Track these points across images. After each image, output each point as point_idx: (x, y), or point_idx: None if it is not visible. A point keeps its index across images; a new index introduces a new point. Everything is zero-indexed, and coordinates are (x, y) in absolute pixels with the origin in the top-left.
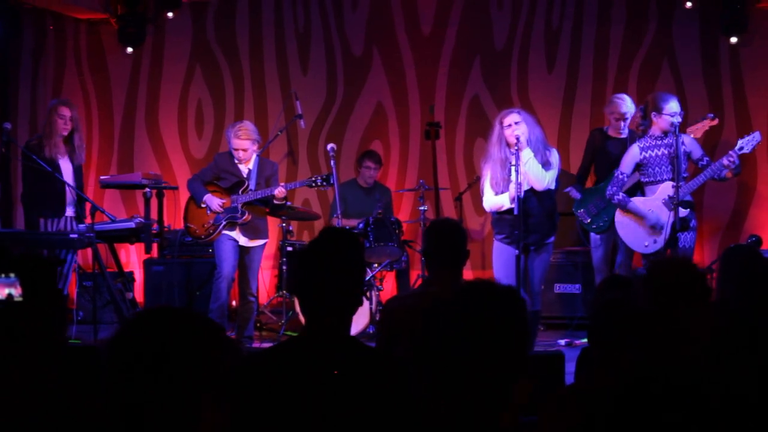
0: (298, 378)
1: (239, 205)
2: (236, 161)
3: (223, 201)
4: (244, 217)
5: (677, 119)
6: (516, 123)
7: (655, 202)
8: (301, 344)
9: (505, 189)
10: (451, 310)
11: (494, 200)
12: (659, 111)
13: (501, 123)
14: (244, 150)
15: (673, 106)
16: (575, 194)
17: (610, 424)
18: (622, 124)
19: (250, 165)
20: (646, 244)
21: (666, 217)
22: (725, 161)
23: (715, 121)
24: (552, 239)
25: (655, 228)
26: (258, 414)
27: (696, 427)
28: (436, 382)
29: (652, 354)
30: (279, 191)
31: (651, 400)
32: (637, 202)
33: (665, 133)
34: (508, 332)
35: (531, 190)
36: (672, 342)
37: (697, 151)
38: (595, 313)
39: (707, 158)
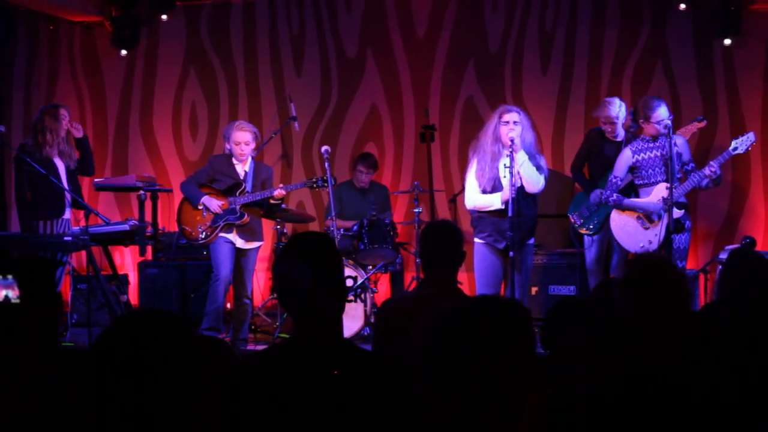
0: (294, 381)
1: (238, 207)
2: (234, 161)
3: (222, 203)
4: (243, 219)
5: (667, 123)
6: (515, 122)
7: (651, 201)
8: (296, 347)
9: (490, 184)
10: (459, 323)
11: (482, 199)
12: (647, 119)
13: (500, 117)
14: (246, 143)
15: (660, 113)
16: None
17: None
18: (612, 127)
19: (246, 167)
20: (642, 245)
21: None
22: (707, 171)
23: (703, 123)
24: (532, 240)
25: (654, 220)
26: (255, 416)
27: (683, 427)
28: (438, 386)
29: (622, 354)
30: (278, 192)
31: (626, 402)
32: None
33: (655, 138)
34: (517, 343)
35: (521, 192)
36: (647, 342)
37: (686, 154)
38: (547, 317)
39: (693, 164)
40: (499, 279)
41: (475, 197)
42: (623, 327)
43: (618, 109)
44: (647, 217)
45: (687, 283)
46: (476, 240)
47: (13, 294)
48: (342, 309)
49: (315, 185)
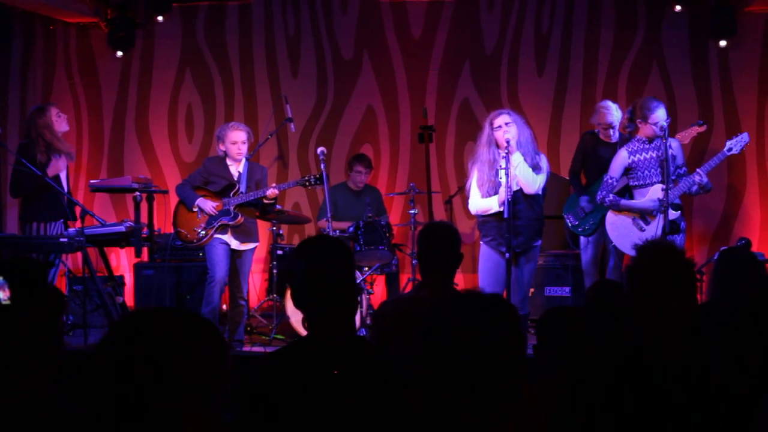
0: (311, 378)
1: (231, 208)
2: (228, 163)
3: (216, 204)
4: (237, 219)
5: (663, 125)
6: (506, 124)
7: (647, 200)
8: (312, 346)
9: (492, 191)
10: (441, 320)
11: (482, 203)
12: (645, 119)
13: (491, 124)
14: (243, 142)
15: (659, 114)
16: (588, 206)
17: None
18: (611, 131)
19: (240, 168)
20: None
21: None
22: (696, 177)
23: (703, 128)
24: (539, 242)
25: (653, 215)
26: (285, 413)
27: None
28: (433, 385)
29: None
30: (271, 192)
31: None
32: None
33: (650, 140)
34: (500, 340)
35: (520, 193)
36: (651, 331)
37: (680, 158)
38: (540, 319)
39: (685, 168)
40: (503, 281)
41: (477, 202)
42: (631, 316)
43: (615, 112)
44: (643, 217)
45: (694, 270)
46: (482, 243)
47: (3, 295)
48: (355, 309)
49: (308, 183)
